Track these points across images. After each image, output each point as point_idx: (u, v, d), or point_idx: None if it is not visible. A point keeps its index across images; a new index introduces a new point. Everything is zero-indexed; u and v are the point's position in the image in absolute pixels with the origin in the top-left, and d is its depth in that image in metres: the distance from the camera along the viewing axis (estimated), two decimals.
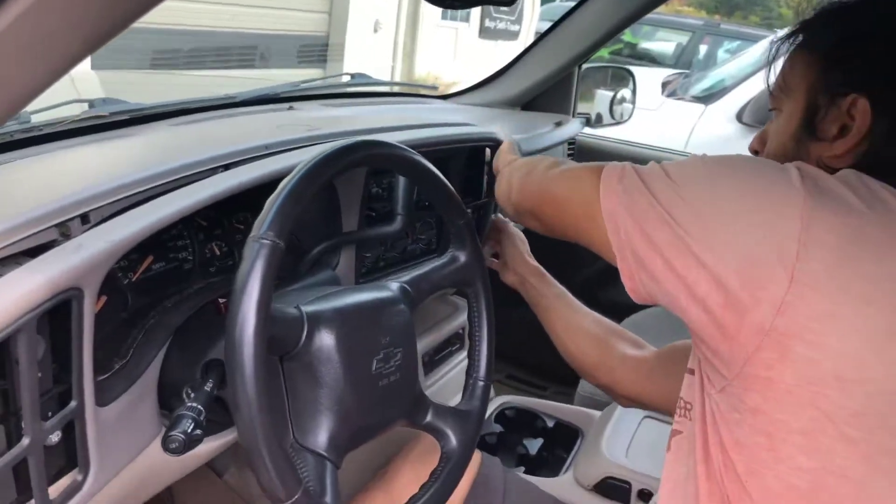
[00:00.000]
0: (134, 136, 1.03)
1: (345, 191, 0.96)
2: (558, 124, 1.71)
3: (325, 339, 0.67)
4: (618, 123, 2.05)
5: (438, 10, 8.52)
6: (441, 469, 0.77)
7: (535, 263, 1.10)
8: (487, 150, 1.26)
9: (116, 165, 0.84)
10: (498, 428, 1.26)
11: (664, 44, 8.32)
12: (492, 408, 1.30)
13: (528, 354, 1.71)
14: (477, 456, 0.95)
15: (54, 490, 0.61)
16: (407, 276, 0.80)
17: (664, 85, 3.87)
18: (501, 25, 10.02)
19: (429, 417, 0.79)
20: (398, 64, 7.12)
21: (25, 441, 0.55)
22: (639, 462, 1.06)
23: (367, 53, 6.44)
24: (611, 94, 2.07)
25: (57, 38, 0.41)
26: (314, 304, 0.68)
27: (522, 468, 1.15)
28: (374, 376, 0.70)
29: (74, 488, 0.63)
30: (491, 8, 9.74)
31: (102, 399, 0.65)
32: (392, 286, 0.77)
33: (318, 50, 6.20)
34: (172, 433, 0.63)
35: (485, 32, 9.72)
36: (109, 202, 0.66)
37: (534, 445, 1.22)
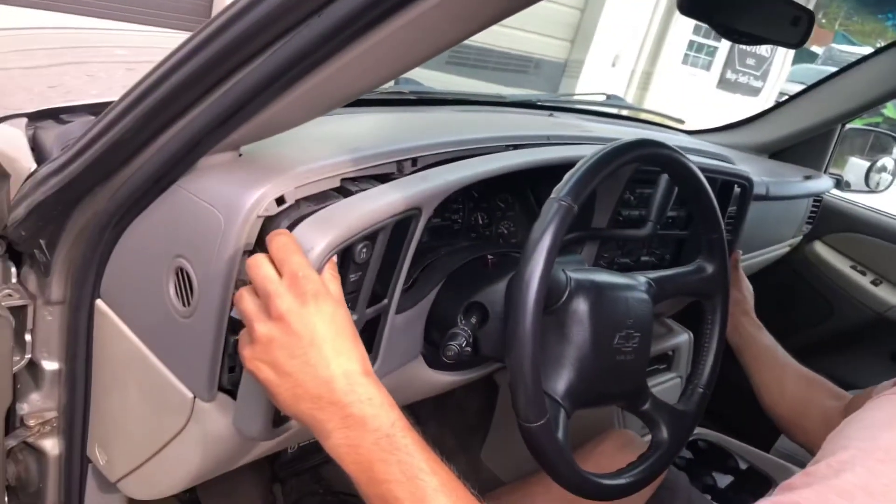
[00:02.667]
0: (428, 112, 1.20)
1: (603, 191, 1.05)
2: (808, 178, 1.67)
3: (581, 304, 0.76)
4: (871, 192, 1.94)
5: (679, 54, 8.38)
6: (650, 454, 0.83)
7: (755, 317, 1.13)
8: (736, 188, 1.28)
9: (425, 129, 0.99)
10: (688, 454, 1.27)
11: None
12: None
13: (727, 410, 1.68)
14: None
15: None
16: (653, 274, 0.87)
17: None
18: (743, 79, 9.60)
19: (647, 406, 0.85)
20: (629, 100, 7.09)
21: (354, 317, 0.70)
22: None
23: (600, 85, 6.51)
24: (870, 160, 1.97)
25: (407, 50, 0.54)
26: (577, 273, 0.78)
27: (709, 496, 1.15)
28: (614, 350, 0.78)
29: None
30: (736, 60, 9.39)
31: (396, 308, 0.79)
32: (640, 278, 0.85)
33: (554, 74, 6.40)
34: (450, 343, 0.76)
35: (724, 83, 9.38)
36: (432, 153, 0.81)
37: (723, 480, 1.22)
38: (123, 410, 0.80)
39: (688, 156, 0.84)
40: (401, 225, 0.70)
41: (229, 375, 0.67)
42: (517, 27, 5.87)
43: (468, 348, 0.77)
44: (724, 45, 9.01)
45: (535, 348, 0.66)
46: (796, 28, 1.09)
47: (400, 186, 0.69)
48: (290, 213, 0.64)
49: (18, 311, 0.83)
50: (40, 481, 0.90)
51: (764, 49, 9.51)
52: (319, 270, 0.60)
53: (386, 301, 0.73)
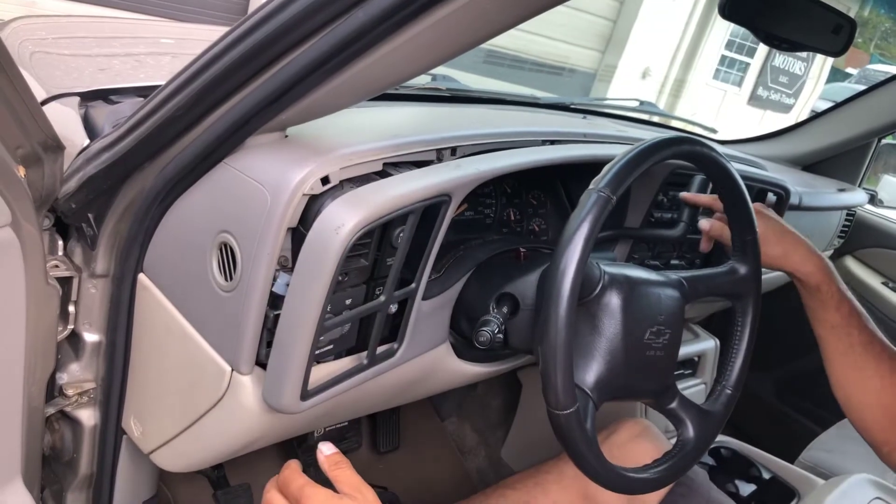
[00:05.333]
0: (465, 108, 1.22)
1: (637, 192, 1.05)
2: (841, 191, 1.65)
3: (614, 298, 0.76)
4: None
5: (711, 68, 8.33)
6: (676, 451, 0.83)
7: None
8: (770, 195, 1.28)
9: (463, 123, 1.01)
10: (710, 461, 1.26)
11: None
12: None
13: (751, 420, 1.67)
14: None
15: (378, 350, 0.78)
16: (686, 273, 0.87)
17: None
18: (775, 96, 9.51)
19: (674, 404, 0.85)
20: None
21: (382, 298, 0.72)
22: None
23: (630, 95, 6.49)
24: None
25: (455, 37, 0.56)
26: (611, 267, 0.78)
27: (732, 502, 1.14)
28: (645, 345, 0.78)
29: (390, 354, 0.79)
30: (769, 77, 9.31)
31: (423, 295, 0.81)
32: (672, 276, 0.85)
33: (584, 83, 6.41)
34: (483, 329, 0.77)
35: (755, 100, 9.29)
36: (471, 143, 0.82)
37: (745, 489, 1.21)
38: (160, 383, 0.82)
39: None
40: (431, 210, 0.71)
41: (267, 350, 0.69)
42: (549, 36, 5.89)
43: (500, 335, 0.78)
44: (757, 62, 8.94)
45: (568, 337, 0.66)
46: (838, 36, 1.10)
47: (431, 173, 0.71)
48: (335, 193, 0.65)
49: (64, 283, 0.85)
50: (74, 451, 0.93)
51: (797, 67, 9.42)
52: (346, 248, 0.61)
53: (413, 286, 0.74)
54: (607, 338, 0.76)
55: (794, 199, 1.34)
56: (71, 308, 0.87)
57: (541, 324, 0.68)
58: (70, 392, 0.89)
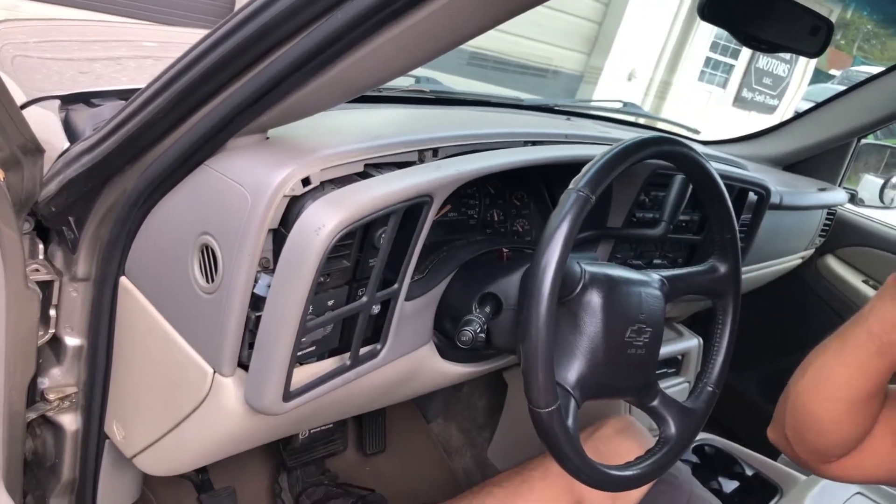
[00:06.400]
0: (449, 110, 1.22)
1: (619, 192, 1.06)
2: (822, 190, 1.67)
3: (595, 297, 0.77)
4: (886, 208, 1.95)
5: (696, 71, 8.39)
6: (658, 449, 0.84)
7: None
8: (751, 194, 1.29)
9: (446, 124, 1.01)
10: (694, 459, 1.27)
11: None
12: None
13: (734, 419, 1.68)
14: None
15: (361, 351, 0.78)
16: (666, 272, 0.88)
17: None
18: (759, 98, 9.59)
19: (655, 402, 0.86)
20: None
21: (364, 299, 0.72)
22: None
23: (617, 96, 6.53)
24: (885, 177, 1.97)
25: (436, 38, 0.56)
26: (592, 266, 0.79)
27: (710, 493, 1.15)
28: (626, 343, 0.79)
29: (373, 355, 0.79)
30: (753, 79, 9.39)
31: (406, 295, 0.81)
32: (653, 276, 0.86)
33: (570, 85, 6.45)
34: (465, 329, 0.77)
35: (739, 101, 9.37)
36: (453, 144, 0.82)
37: (728, 486, 1.22)
38: (143, 386, 0.81)
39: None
40: (413, 211, 0.72)
41: (249, 351, 0.69)
42: (535, 38, 5.91)
43: (482, 335, 0.78)
44: (741, 64, 9.02)
45: (548, 335, 0.67)
46: (815, 38, 1.11)
47: (413, 174, 0.71)
48: (315, 194, 0.66)
49: (44, 287, 0.85)
50: (56, 456, 0.92)
51: (781, 69, 9.52)
52: (327, 249, 0.62)
53: (396, 286, 0.75)
54: (588, 336, 0.77)
55: (775, 199, 1.35)
56: (52, 312, 0.86)
57: (522, 322, 0.69)
58: (52, 397, 0.88)
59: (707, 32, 8.00)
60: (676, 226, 1.13)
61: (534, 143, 0.95)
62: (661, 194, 1.09)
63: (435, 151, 0.80)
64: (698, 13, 1.02)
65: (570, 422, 0.73)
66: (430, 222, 0.74)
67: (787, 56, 9.25)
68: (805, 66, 9.58)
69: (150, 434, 0.81)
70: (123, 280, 0.80)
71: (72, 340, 0.87)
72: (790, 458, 0.86)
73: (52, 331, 0.87)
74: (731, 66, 9.02)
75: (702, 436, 1.34)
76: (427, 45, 0.59)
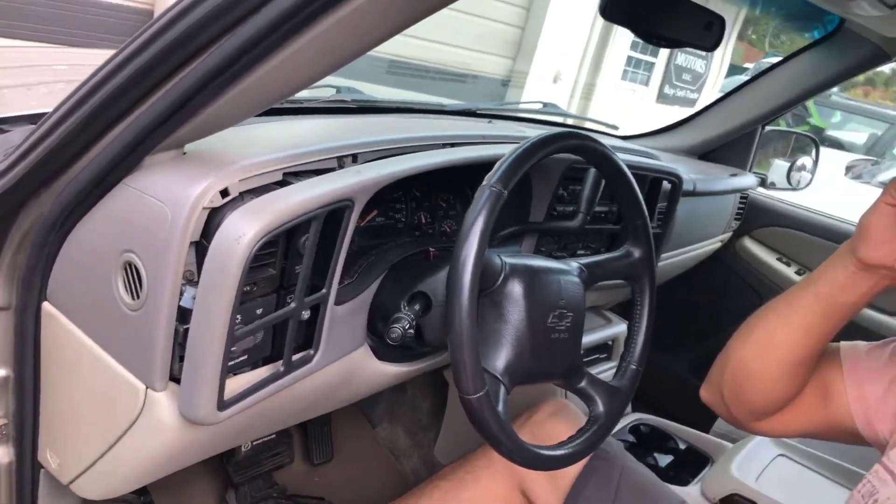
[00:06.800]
0: (371, 118, 1.25)
1: (538, 188, 1.11)
2: (733, 176, 1.77)
3: (516, 286, 0.81)
4: (793, 189, 2.06)
5: (619, 70, 8.65)
6: (588, 427, 0.88)
7: None
8: (665, 184, 1.36)
9: (366, 131, 1.03)
10: (630, 438, 1.33)
11: (855, 133, 7.87)
12: (626, 421, 1.38)
13: (667, 397, 1.75)
14: None
15: (294, 357, 0.79)
16: (585, 260, 0.93)
17: (848, 168, 3.73)
18: (681, 93, 9.97)
19: (583, 383, 0.90)
20: (573, 112, 7.29)
21: (293, 304, 0.74)
22: (768, 490, 1.09)
23: (542, 97, 6.66)
24: (791, 160, 2.09)
25: (343, 45, 0.59)
26: (512, 258, 0.83)
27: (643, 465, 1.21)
28: (548, 328, 0.83)
29: (307, 360, 0.80)
30: (673, 76, 9.76)
31: (336, 300, 0.83)
32: (572, 264, 0.90)
33: (494, 90, 6.55)
34: (394, 326, 0.80)
35: (663, 98, 9.72)
36: (371, 150, 0.85)
37: (663, 460, 1.28)
38: (74, 410, 0.81)
39: (617, 154, 0.91)
40: (335, 216, 0.74)
41: (180, 364, 0.70)
42: (458, 44, 5.99)
43: (411, 331, 0.81)
44: (661, 62, 9.35)
45: (471, 324, 0.70)
46: (710, 32, 1.18)
47: (331, 179, 0.73)
48: (235, 205, 0.67)
49: None
50: None
51: (699, 65, 9.92)
52: (248, 257, 0.63)
53: (324, 291, 0.76)
54: (512, 324, 0.80)
55: (688, 186, 1.43)
56: None
57: (447, 316, 0.72)
58: None
59: (627, 32, 8.28)
60: (595, 217, 1.18)
61: (453, 146, 0.98)
62: (578, 188, 1.15)
63: (354, 157, 0.82)
64: (600, 13, 1.07)
65: (500, 407, 0.76)
66: (352, 226, 0.76)
67: (703, 52, 9.66)
68: (721, 61, 10.01)
69: (85, 458, 0.80)
70: (46, 305, 0.79)
71: None
72: (722, 416, 0.92)
73: None
74: (652, 64, 9.34)
75: (636, 416, 1.40)
76: (333, 54, 0.61)
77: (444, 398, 1.46)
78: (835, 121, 8.36)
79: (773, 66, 1.70)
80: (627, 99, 8.82)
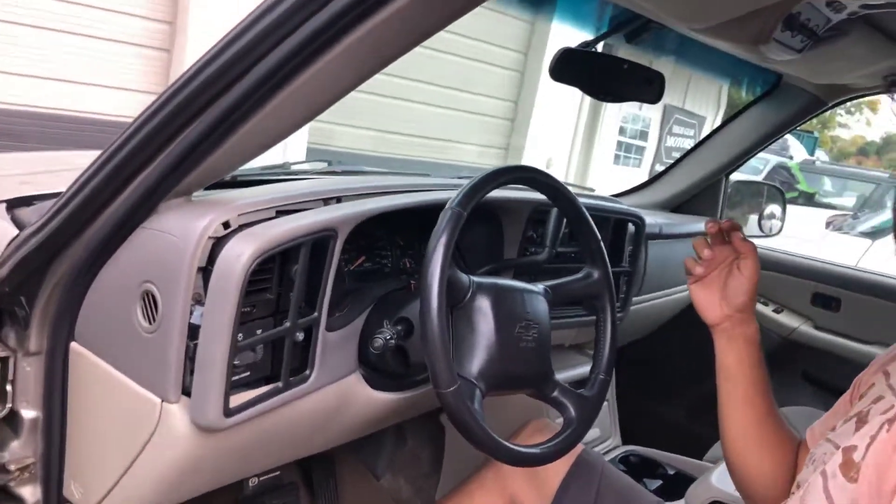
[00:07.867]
0: (357, 176, 1.40)
1: (509, 229, 1.24)
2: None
3: (484, 301, 0.92)
4: (766, 236, 2.18)
5: (611, 155, 9.00)
6: (561, 432, 0.96)
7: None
8: (630, 226, 1.49)
9: (351, 182, 1.18)
10: (621, 467, 1.38)
11: (845, 199, 8.09)
12: (617, 452, 1.44)
13: (663, 429, 1.80)
14: (579, 447, 1.10)
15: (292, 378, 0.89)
16: (549, 282, 1.04)
17: (828, 223, 3.88)
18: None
19: (556, 393, 0.99)
20: None
21: (287, 324, 0.85)
22: None
23: None
24: (759, 210, 2.23)
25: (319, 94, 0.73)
26: (480, 278, 0.94)
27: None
28: (516, 337, 0.93)
29: (303, 379, 0.90)
30: (663, 155, 10.12)
31: (328, 326, 0.94)
32: (538, 286, 1.02)
33: None
34: (376, 336, 0.90)
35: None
36: (354, 194, 0.99)
37: (651, 484, 1.34)
38: (98, 440, 0.90)
39: (583, 199, 1.03)
40: (321, 245, 0.86)
41: (191, 378, 0.80)
42: (449, 139, 6.33)
43: (392, 341, 0.91)
44: (651, 144, 9.73)
45: (441, 328, 0.81)
46: (651, 86, 1.34)
47: (318, 212, 0.87)
48: (234, 234, 0.80)
49: (1, 364, 0.94)
50: None
51: (687, 144, 10.32)
52: (247, 272, 0.75)
53: (315, 314, 0.87)
54: (483, 334, 0.91)
55: (654, 229, 1.56)
56: (8, 387, 0.95)
57: (421, 325, 0.82)
58: (12, 468, 0.95)
59: (613, 119, 8.67)
60: (562, 255, 1.30)
61: (429, 191, 1.12)
62: (547, 228, 1.27)
63: (339, 199, 0.96)
64: (550, 74, 1.23)
65: (475, 406, 0.85)
66: (338, 254, 0.88)
67: (692, 132, 10.09)
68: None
69: (107, 480, 0.88)
70: (74, 345, 0.90)
71: (28, 413, 0.95)
72: None
73: (9, 405, 0.95)
74: (643, 148, 9.71)
75: (627, 447, 1.46)
76: (310, 104, 0.75)
77: (442, 446, 1.53)
78: (826, 189, 8.60)
79: (726, 122, 1.87)
80: (619, 181, 9.09)
